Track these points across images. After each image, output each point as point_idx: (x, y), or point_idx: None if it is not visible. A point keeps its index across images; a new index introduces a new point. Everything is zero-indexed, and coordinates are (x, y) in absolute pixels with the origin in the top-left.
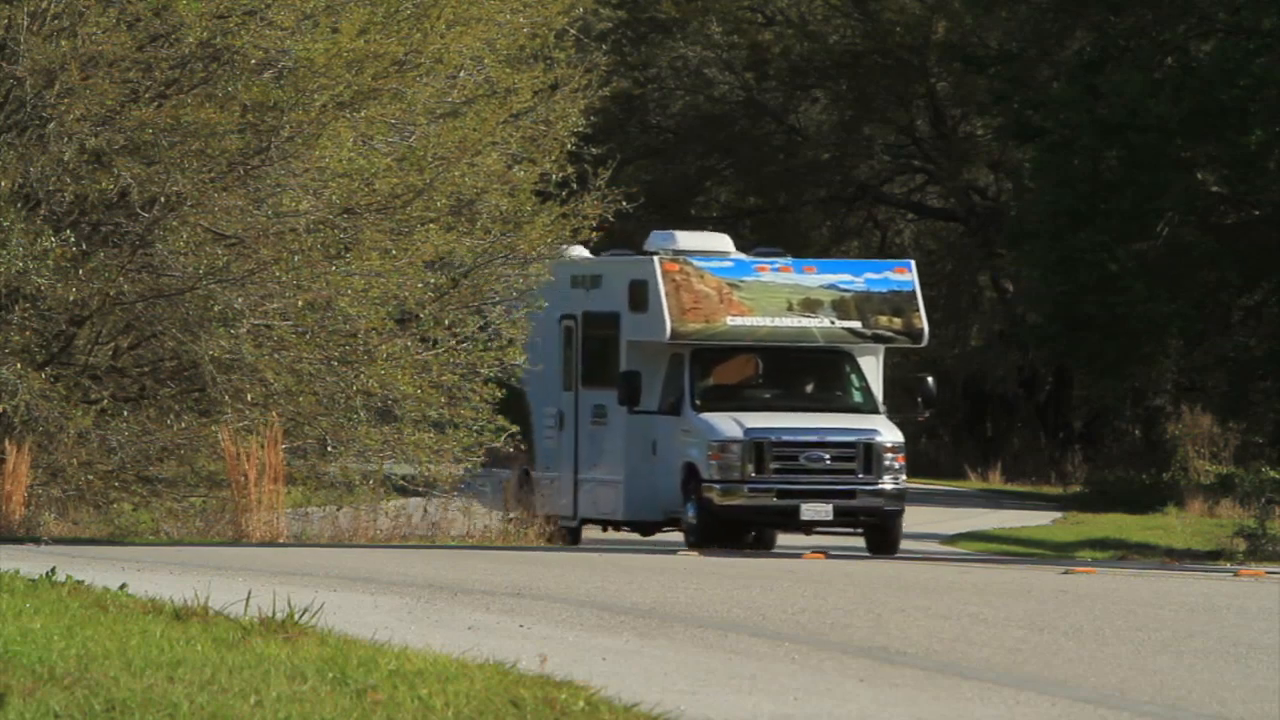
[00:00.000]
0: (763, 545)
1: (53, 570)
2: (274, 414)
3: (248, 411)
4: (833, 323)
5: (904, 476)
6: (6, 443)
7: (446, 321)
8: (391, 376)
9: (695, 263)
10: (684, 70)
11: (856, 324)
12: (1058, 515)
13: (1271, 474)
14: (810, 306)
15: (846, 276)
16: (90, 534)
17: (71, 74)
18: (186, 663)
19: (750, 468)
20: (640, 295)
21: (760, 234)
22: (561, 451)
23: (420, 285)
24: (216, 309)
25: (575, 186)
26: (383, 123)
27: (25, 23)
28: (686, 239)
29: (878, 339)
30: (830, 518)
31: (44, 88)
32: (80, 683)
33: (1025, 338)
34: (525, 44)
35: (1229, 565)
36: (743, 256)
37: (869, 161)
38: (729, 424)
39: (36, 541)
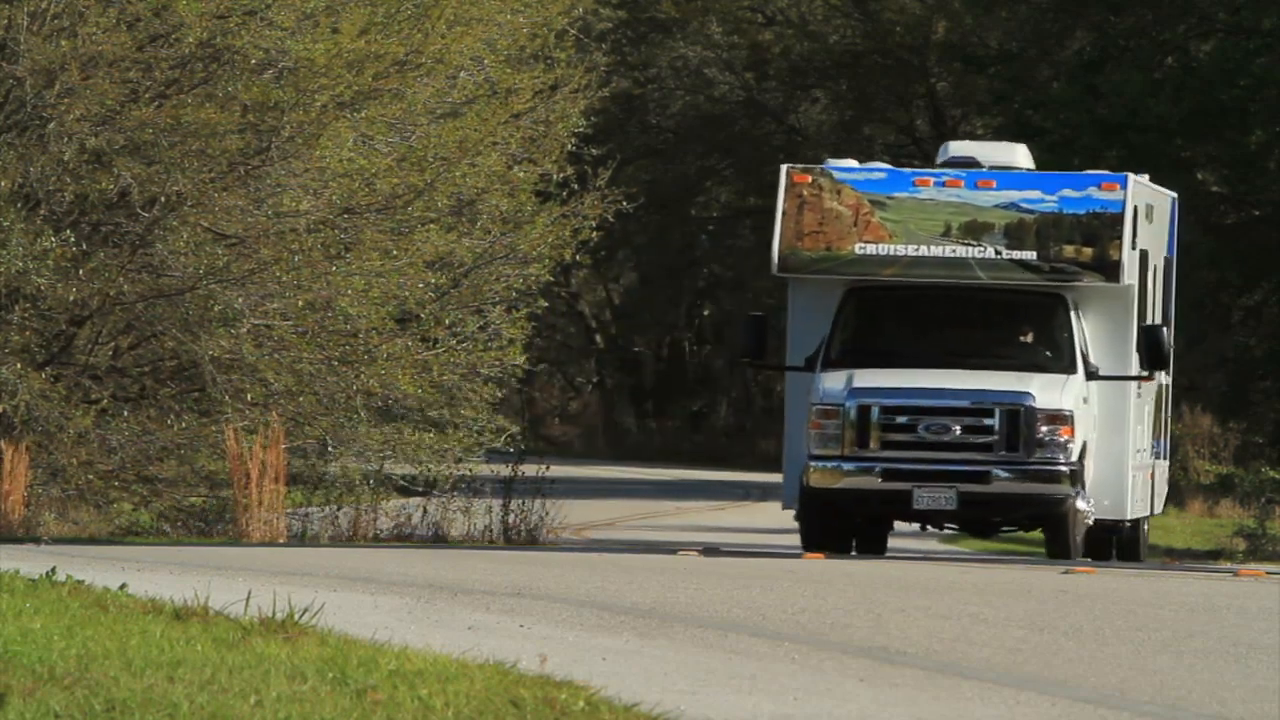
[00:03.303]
0: (872, 548)
1: (53, 570)
2: (274, 414)
3: (248, 411)
4: (999, 253)
5: (1073, 453)
6: (6, 443)
7: (446, 321)
8: (391, 376)
9: (835, 173)
10: (684, 70)
11: (1030, 254)
12: None
13: (1271, 474)
14: (974, 231)
15: (1034, 194)
16: (90, 534)
17: (71, 74)
18: (186, 663)
19: (852, 439)
20: (773, 217)
21: (761, 234)
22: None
23: (420, 285)
24: (216, 309)
25: (575, 186)
26: (383, 123)
27: (25, 23)
28: (973, 149)
29: (1057, 274)
30: (953, 506)
31: (44, 88)
32: (80, 683)
33: None
34: (525, 44)
35: (1229, 565)
36: (910, 168)
37: (869, 161)
38: (838, 383)
39: (36, 541)
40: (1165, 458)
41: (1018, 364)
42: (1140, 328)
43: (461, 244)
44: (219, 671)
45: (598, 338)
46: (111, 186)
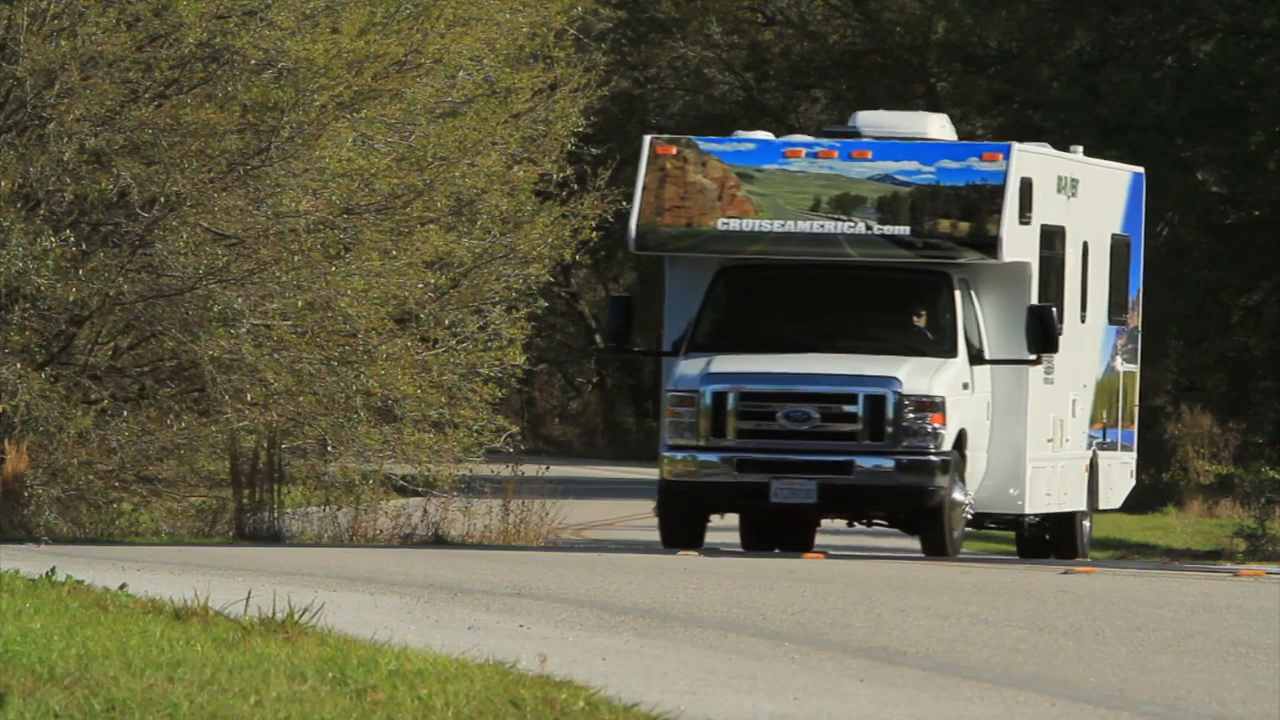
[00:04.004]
0: (796, 545)
1: (53, 570)
2: (274, 414)
3: (248, 411)
4: (870, 228)
5: (946, 442)
6: (6, 443)
7: (446, 321)
8: (391, 376)
9: (702, 145)
10: (684, 70)
11: (904, 230)
12: None
13: (1271, 474)
14: (845, 205)
15: (911, 165)
16: (90, 534)
17: (71, 74)
18: (186, 663)
19: (708, 428)
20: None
21: None
22: None
23: (420, 285)
24: (216, 309)
25: (575, 186)
26: (383, 123)
27: (25, 23)
28: (882, 119)
29: (932, 251)
30: (813, 500)
31: (44, 88)
32: (80, 683)
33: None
34: (525, 44)
35: (1229, 565)
36: (790, 138)
37: None
38: (694, 368)
39: (36, 541)
40: (1123, 448)
41: (893, 347)
42: (1028, 308)
43: (461, 244)
44: (219, 671)
45: (597, 338)
46: (111, 186)
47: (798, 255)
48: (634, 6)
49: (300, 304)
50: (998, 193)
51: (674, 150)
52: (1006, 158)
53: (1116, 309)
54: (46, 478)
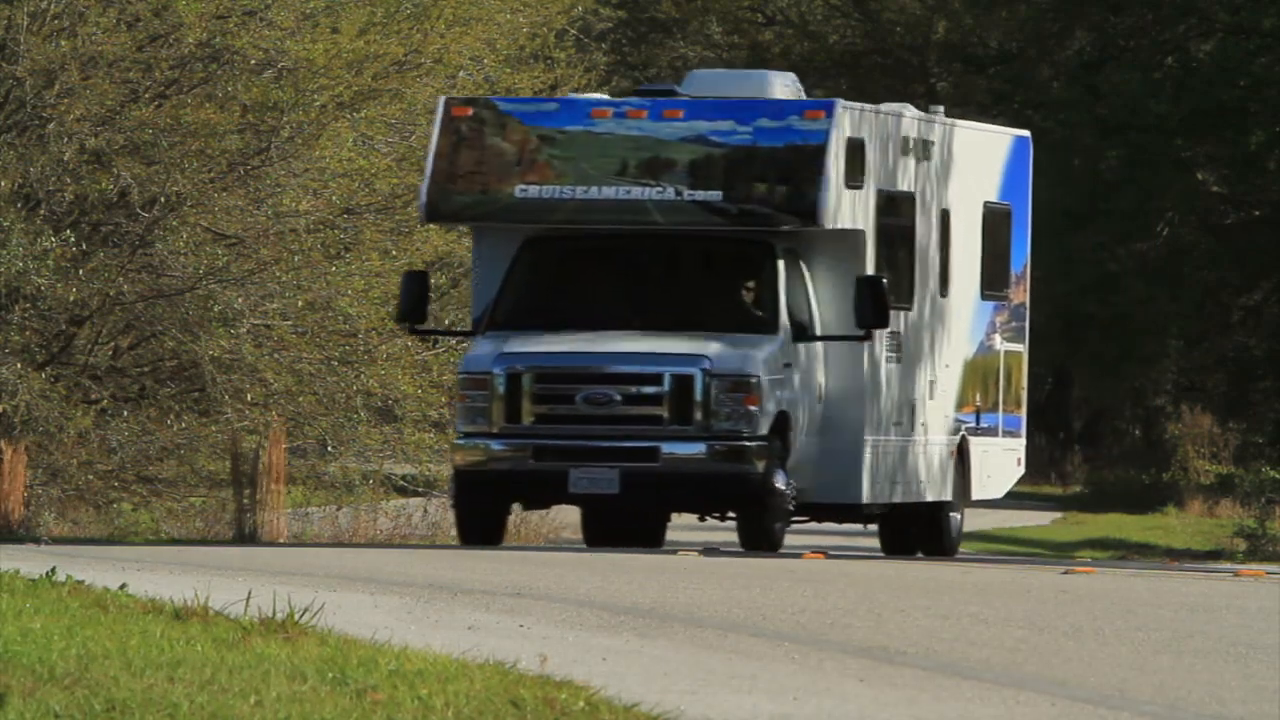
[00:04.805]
0: (646, 542)
1: (53, 570)
2: (274, 414)
3: (248, 411)
4: (680, 193)
5: (762, 426)
6: (6, 443)
7: (446, 321)
8: (391, 376)
9: (501, 105)
10: (684, 70)
11: (716, 195)
12: (1058, 515)
13: (1271, 474)
14: (653, 169)
15: (726, 124)
16: (90, 534)
17: (71, 74)
18: (186, 663)
19: (503, 413)
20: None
21: None
22: None
23: None
24: (216, 309)
25: None
26: (383, 123)
27: (25, 23)
28: (719, 78)
29: (747, 218)
30: (615, 490)
31: (44, 88)
32: (80, 683)
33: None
34: (525, 44)
35: (1229, 565)
36: (597, 96)
37: None
38: (488, 349)
39: (36, 541)
40: (1005, 434)
41: (706, 324)
42: (856, 279)
43: (461, 243)
44: (219, 671)
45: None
46: (111, 186)
47: (603, 224)
48: (634, 6)
49: (300, 304)
50: (818, 153)
51: (470, 111)
52: (829, 115)
53: (992, 283)
54: (46, 478)
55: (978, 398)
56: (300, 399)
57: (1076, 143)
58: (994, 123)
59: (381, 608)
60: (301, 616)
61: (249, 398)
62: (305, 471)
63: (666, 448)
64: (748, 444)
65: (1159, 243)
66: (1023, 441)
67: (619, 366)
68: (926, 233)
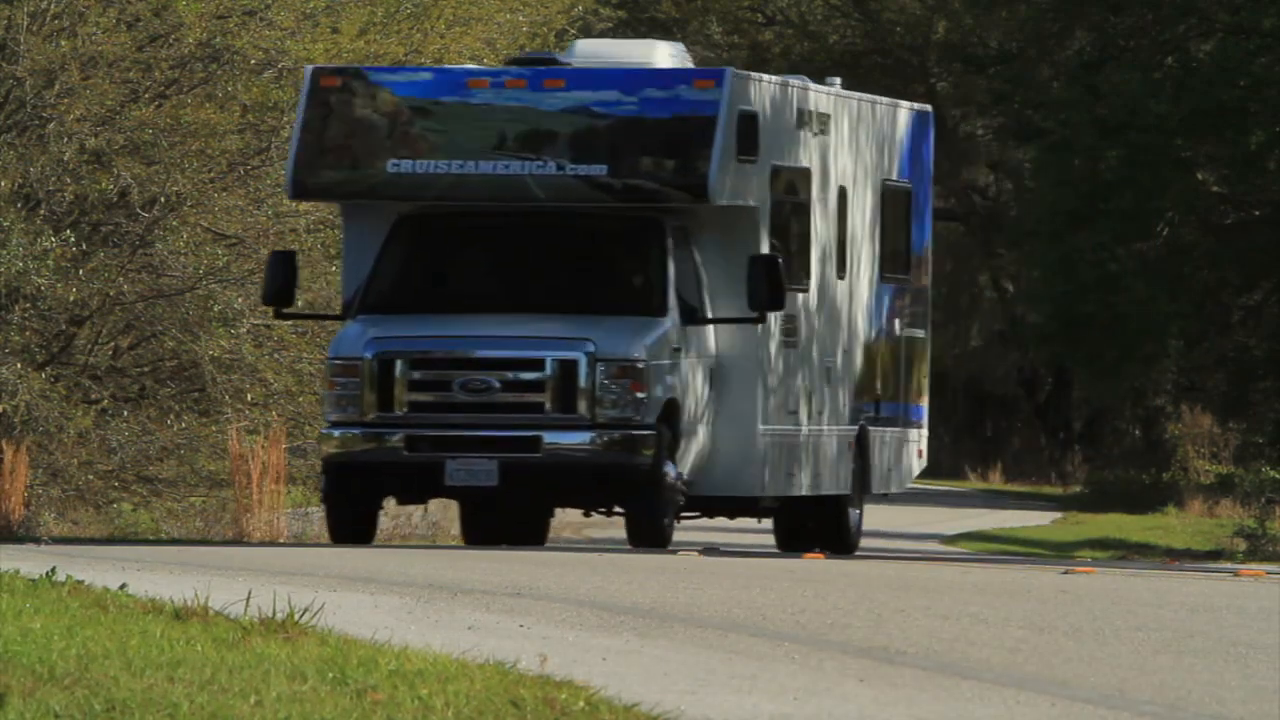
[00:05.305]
0: (528, 540)
1: (53, 570)
2: (274, 414)
3: (248, 411)
4: (562, 168)
5: (650, 413)
6: (6, 443)
7: None
8: None
9: (372, 76)
10: None
11: (600, 169)
12: (1058, 515)
13: (1271, 474)
14: (534, 143)
15: (611, 95)
16: (90, 534)
17: (71, 74)
18: (186, 663)
19: (374, 400)
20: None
21: None
22: None
23: None
24: (216, 309)
25: None
26: None
27: (25, 23)
28: (604, 46)
29: (633, 194)
30: (494, 482)
31: (44, 88)
32: (80, 683)
33: (1025, 338)
34: (525, 44)
35: (1229, 565)
36: (467, 65)
37: None
38: (359, 333)
39: (36, 541)
40: (907, 424)
41: (591, 306)
42: (751, 259)
43: None
44: (219, 671)
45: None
46: (111, 186)
47: (480, 201)
48: (634, 6)
49: (300, 304)
50: (709, 125)
51: (339, 82)
52: (720, 85)
53: (892, 265)
54: (46, 478)
55: (878, 386)
56: (300, 399)
57: (1076, 143)
58: (994, 123)
59: (381, 608)
60: (301, 616)
61: (249, 398)
62: (305, 471)
63: (549, 437)
64: (635, 433)
65: (1159, 243)
66: (925, 433)
67: (498, 351)
68: (823, 211)
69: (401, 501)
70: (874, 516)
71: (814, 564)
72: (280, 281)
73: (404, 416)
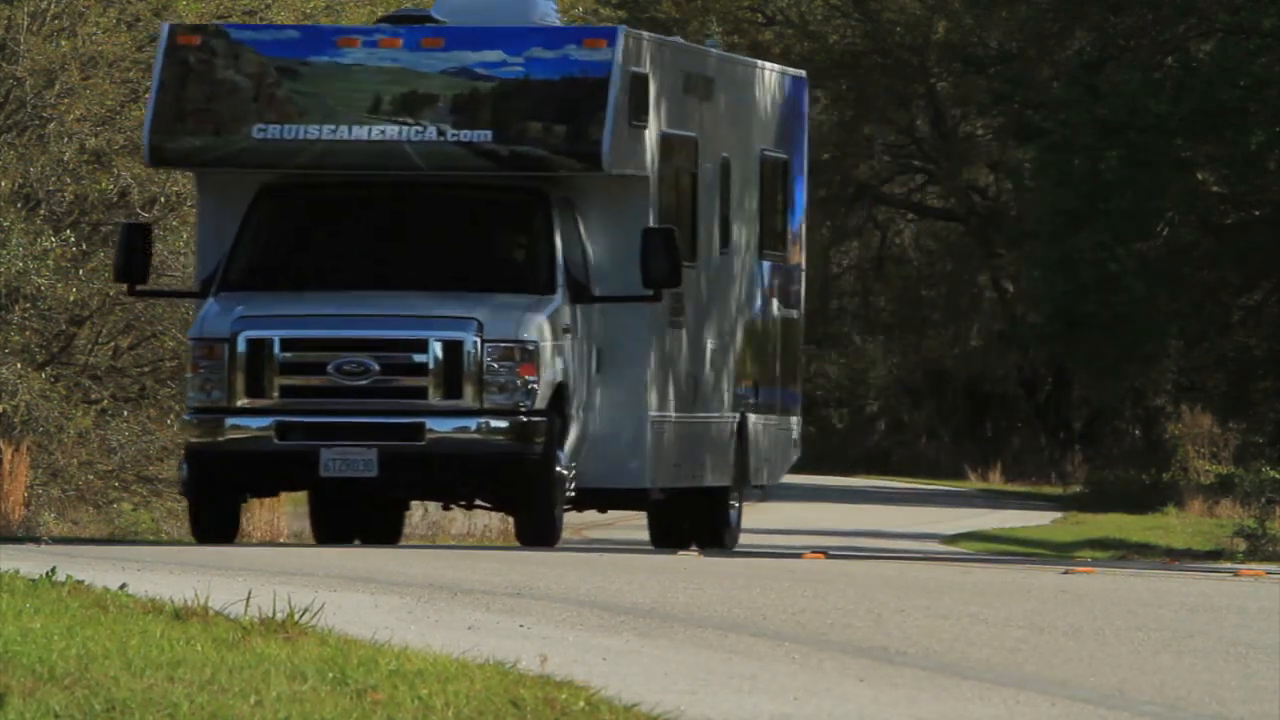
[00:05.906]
0: (382, 537)
1: (53, 570)
2: None
3: None
4: (442, 134)
5: (540, 398)
6: (6, 443)
7: None
8: None
9: (234, 34)
10: None
11: (484, 135)
12: (1058, 515)
13: (1271, 474)
14: (412, 106)
15: (494, 55)
16: (90, 534)
17: (71, 74)
18: (186, 663)
19: (242, 384)
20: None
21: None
22: None
23: None
24: None
25: None
26: None
27: (25, 23)
28: (470, 5)
29: (519, 162)
30: (373, 472)
31: (44, 88)
32: (80, 683)
33: (1025, 338)
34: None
35: (1229, 565)
36: (341, 24)
37: (869, 161)
38: (223, 312)
39: (36, 541)
40: (782, 411)
41: (475, 283)
42: (645, 231)
43: None
44: (219, 671)
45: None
46: (111, 186)
47: (354, 169)
48: (634, 6)
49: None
50: (601, 88)
51: (199, 40)
52: (612, 44)
53: (770, 241)
54: (46, 478)
55: (758, 370)
56: None
57: (1076, 143)
58: (994, 123)
59: (381, 608)
60: (301, 616)
61: None
62: None
63: (432, 424)
64: (524, 420)
65: (1159, 243)
66: (799, 420)
67: (377, 331)
68: (709, 182)
69: (272, 493)
70: (874, 516)
71: (814, 564)
72: (134, 256)
73: (275, 402)
